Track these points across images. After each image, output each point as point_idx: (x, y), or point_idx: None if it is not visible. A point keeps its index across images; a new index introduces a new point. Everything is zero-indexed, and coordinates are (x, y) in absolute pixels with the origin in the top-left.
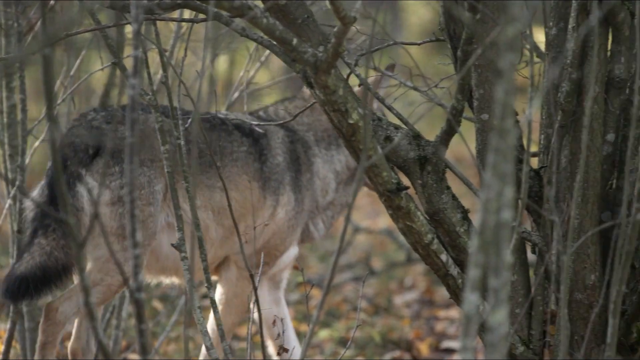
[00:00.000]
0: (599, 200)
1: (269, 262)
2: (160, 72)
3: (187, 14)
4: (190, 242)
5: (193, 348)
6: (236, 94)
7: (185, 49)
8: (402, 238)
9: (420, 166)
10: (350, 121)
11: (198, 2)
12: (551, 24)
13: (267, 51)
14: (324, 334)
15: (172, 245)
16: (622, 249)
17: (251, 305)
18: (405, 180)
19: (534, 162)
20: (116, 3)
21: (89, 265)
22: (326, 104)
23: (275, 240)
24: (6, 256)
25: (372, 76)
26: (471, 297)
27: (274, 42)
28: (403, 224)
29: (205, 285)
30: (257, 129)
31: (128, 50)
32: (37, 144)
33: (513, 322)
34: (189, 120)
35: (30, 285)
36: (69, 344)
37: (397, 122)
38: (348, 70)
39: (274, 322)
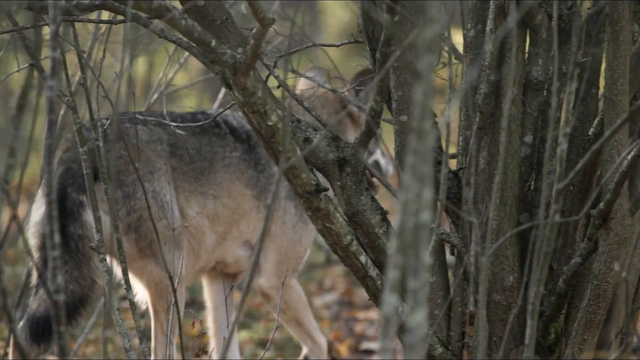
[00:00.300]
0: (517, 201)
1: (295, 268)
2: (79, 73)
3: (105, 15)
4: (187, 247)
5: (112, 350)
6: (155, 96)
7: (104, 51)
8: (321, 239)
9: (339, 168)
10: (269, 123)
11: (116, 4)
12: (469, 25)
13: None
14: (243, 335)
15: (91, 246)
16: (540, 250)
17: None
18: (325, 182)
19: (453, 164)
20: (34, 4)
21: (142, 293)
22: (245, 106)
23: (290, 248)
24: None
25: (290, 77)
26: (390, 299)
27: (193, 44)
28: (322, 226)
29: (124, 287)
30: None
31: (46, 52)
32: None
33: (432, 324)
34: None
35: (43, 334)
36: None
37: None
38: (267, 72)
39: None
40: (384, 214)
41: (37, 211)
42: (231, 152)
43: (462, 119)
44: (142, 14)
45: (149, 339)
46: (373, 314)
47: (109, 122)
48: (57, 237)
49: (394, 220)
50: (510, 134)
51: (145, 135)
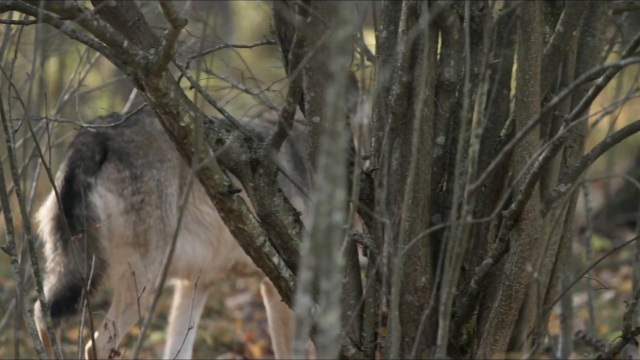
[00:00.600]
0: (429, 202)
1: None
2: None
3: (16, 15)
4: (172, 244)
5: (24, 352)
6: (67, 96)
7: (15, 51)
8: None
9: (252, 169)
10: (182, 124)
11: (28, 4)
12: (381, 27)
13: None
14: (155, 337)
15: (2, 248)
16: (452, 251)
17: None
18: (238, 183)
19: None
20: None
21: (115, 283)
22: (157, 107)
23: None
24: None
25: (203, 79)
26: (303, 300)
27: (105, 45)
28: (235, 227)
29: (36, 288)
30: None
31: None
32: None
33: (344, 324)
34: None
35: (63, 308)
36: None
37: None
38: (179, 73)
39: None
40: (296, 215)
41: (49, 197)
42: None
43: (374, 120)
44: (54, 15)
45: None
46: None
47: (20, 123)
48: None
49: (307, 221)
50: (423, 135)
51: (160, 126)
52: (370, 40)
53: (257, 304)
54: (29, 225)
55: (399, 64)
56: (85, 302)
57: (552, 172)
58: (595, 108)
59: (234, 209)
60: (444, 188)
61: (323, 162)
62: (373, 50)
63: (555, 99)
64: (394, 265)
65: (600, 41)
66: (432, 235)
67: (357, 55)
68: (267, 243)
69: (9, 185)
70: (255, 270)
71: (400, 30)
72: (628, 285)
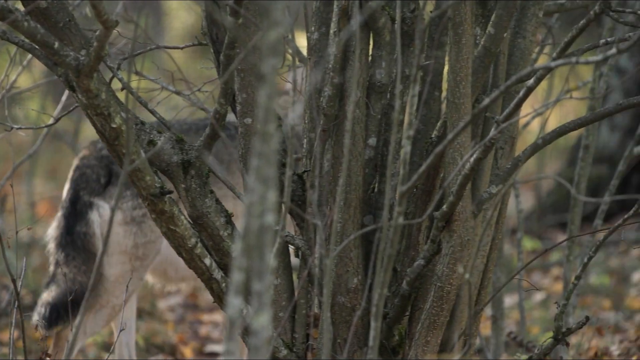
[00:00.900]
0: (361, 204)
1: None
2: None
3: None
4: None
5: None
6: None
7: None
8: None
9: (183, 170)
10: (113, 125)
11: None
12: (313, 28)
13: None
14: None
15: None
16: (383, 252)
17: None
18: (170, 185)
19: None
20: None
21: (109, 286)
22: (89, 108)
23: None
24: None
25: (134, 80)
26: (235, 301)
27: (36, 46)
28: (166, 228)
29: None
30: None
31: None
32: None
33: (276, 326)
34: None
35: (61, 311)
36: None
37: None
38: (110, 74)
39: None
40: (228, 217)
41: (56, 218)
42: None
43: (306, 121)
44: None
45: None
46: (218, 316)
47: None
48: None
49: (239, 222)
50: (354, 137)
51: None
52: (301, 41)
53: (189, 306)
54: None
55: (330, 66)
56: (17, 304)
57: (483, 173)
58: (526, 110)
59: (165, 210)
60: (376, 189)
61: (255, 163)
62: (305, 51)
63: (486, 101)
64: (326, 267)
65: (531, 43)
66: (363, 237)
67: (289, 57)
68: (199, 245)
69: None
70: None
71: (331, 31)
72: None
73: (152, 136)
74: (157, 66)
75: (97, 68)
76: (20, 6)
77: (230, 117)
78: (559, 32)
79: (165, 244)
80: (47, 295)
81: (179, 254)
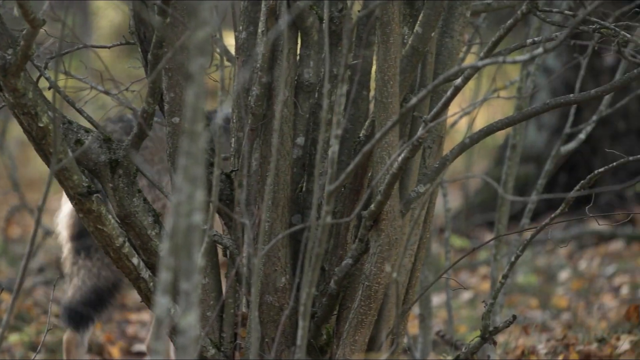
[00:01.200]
0: (289, 203)
1: None
2: None
3: None
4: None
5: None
6: None
7: None
8: None
9: (111, 169)
10: (40, 124)
11: None
12: (241, 28)
13: None
14: (14, 338)
15: None
16: (311, 251)
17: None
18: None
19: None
20: None
21: None
22: (15, 107)
23: None
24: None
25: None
26: (162, 300)
27: None
28: (94, 228)
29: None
30: None
31: None
32: None
33: (204, 325)
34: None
35: (89, 310)
36: (66, 334)
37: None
38: (38, 73)
39: None
40: (156, 216)
41: (66, 203)
42: None
43: (234, 120)
44: None
45: None
46: (145, 315)
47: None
48: None
49: (167, 222)
50: (282, 136)
51: None
52: (229, 41)
53: (117, 305)
54: None
55: (258, 65)
56: None
57: (411, 172)
58: (453, 109)
59: (93, 209)
60: (304, 189)
61: (182, 162)
62: (233, 51)
63: (413, 100)
64: (254, 266)
65: (459, 42)
66: (292, 236)
67: (217, 56)
68: (127, 244)
69: None
70: None
71: (259, 31)
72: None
73: (79, 135)
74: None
75: (24, 67)
76: None
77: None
78: (486, 32)
79: None
80: (74, 294)
81: (107, 253)
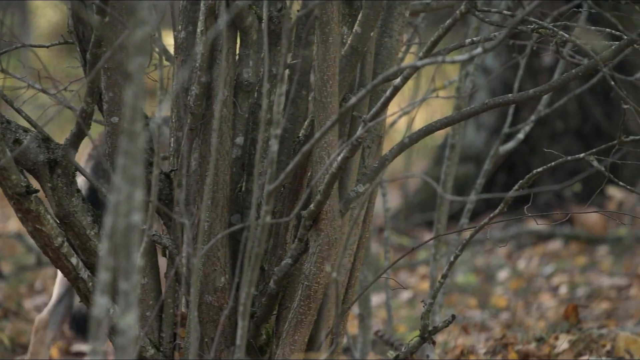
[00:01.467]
0: (228, 203)
1: None
2: None
3: None
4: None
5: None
6: None
7: None
8: (32, 241)
9: (50, 169)
10: None
11: None
12: (180, 27)
13: None
14: None
15: None
16: (251, 251)
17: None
18: (36, 184)
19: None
20: None
21: None
22: None
23: None
24: None
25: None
26: (101, 301)
27: None
28: (32, 227)
29: None
30: None
31: None
32: None
33: (143, 325)
34: None
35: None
36: (40, 315)
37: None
38: None
39: None
40: (95, 216)
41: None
42: None
43: (173, 120)
44: None
45: None
46: None
47: None
48: None
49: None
50: (222, 136)
51: None
52: (168, 40)
53: None
54: None
55: (197, 65)
56: None
57: (350, 172)
58: (393, 109)
59: (31, 209)
60: (243, 188)
61: (121, 162)
62: (172, 50)
63: (353, 100)
64: (193, 266)
65: (398, 42)
66: (231, 236)
67: (156, 56)
68: (66, 244)
69: None
70: None
71: (198, 30)
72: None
73: (18, 135)
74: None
75: None
76: None
77: None
78: (425, 32)
79: None
80: (78, 302)
81: (45, 253)
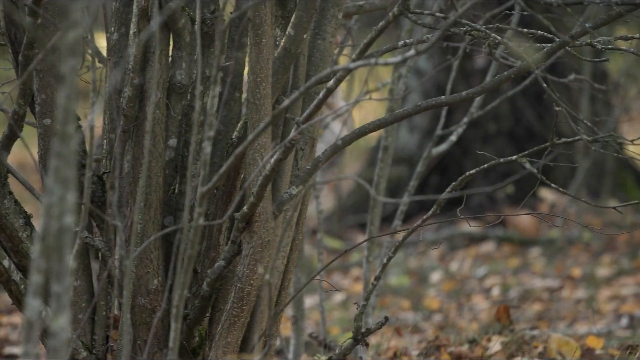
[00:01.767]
0: (161, 205)
1: None
2: None
3: None
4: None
5: None
6: None
7: None
8: None
9: None
10: None
11: None
12: (113, 29)
13: None
14: None
15: None
16: (184, 253)
17: None
18: None
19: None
20: None
21: None
22: None
23: None
24: None
25: None
26: (33, 303)
27: None
28: None
29: None
30: None
31: None
32: None
33: (76, 328)
34: None
35: None
36: None
37: None
38: None
39: None
40: (27, 218)
41: None
42: None
43: (106, 122)
44: None
45: None
46: (17, 318)
47: None
48: None
49: (38, 224)
50: (155, 138)
51: None
52: (101, 42)
53: None
54: None
55: (130, 66)
56: None
57: (283, 174)
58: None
59: None
60: (176, 190)
61: (54, 164)
62: (104, 52)
63: (286, 102)
64: (126, 268)
65: (331, 44)
66: (164, 238)
67: (88, 57)
68: None
69: None
70: None
71: (131, 32)
72: (359, 287)
73: None
74: None
75: None
76: None
77: None
78: (358, 34)
79: None
80: None
81: None
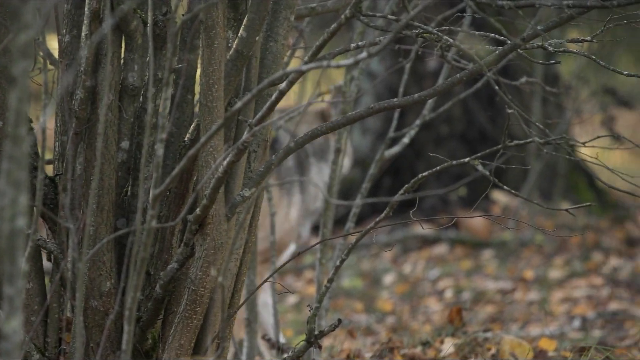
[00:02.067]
0: (114, 207)
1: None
2: None
3: None
4: None
5: None
6: None
7: None
8: None
9: None
10: None
11: None
12: (64, 31)
13: None
14: None
15: None
16: (137, 255)
17: None
18: None
19: (50, 170)
20: None
21: None
22: None
23: (285, 237)
24: None
25: None
26: None
27: None
28: None
29: None
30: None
31: None
32: None
33: (29, 330)
34: None
35: None
36: None
37: None
38: None
39: None
40: None
41: None
42: None
43: (58, 124)
44: None
45: None
46: None
47: None
48: None
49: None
50: (107, 140)
51: None
52: (53, 44)
53: None
54: None
55: (82, 69)
56: None
57: (236, 176)
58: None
59: None
60: (129, 193)
61: (6, 166)
62: (56, 54)
63: (238, 104)
64: (79, 270)
65: (283, 46)
66: (117, 240)
67: (40, 59)
68: None
69: None
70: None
71: (83, 34)
72: (312, 289)
73: None
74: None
75: None
76: None
77: None
78: (310, 36)
79: None
80: None
81: None
